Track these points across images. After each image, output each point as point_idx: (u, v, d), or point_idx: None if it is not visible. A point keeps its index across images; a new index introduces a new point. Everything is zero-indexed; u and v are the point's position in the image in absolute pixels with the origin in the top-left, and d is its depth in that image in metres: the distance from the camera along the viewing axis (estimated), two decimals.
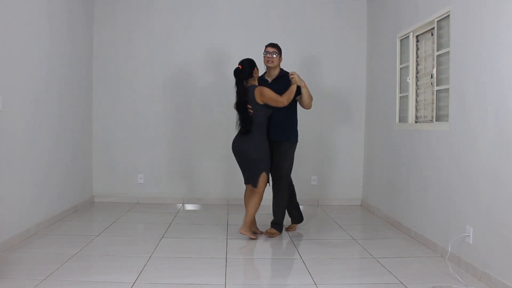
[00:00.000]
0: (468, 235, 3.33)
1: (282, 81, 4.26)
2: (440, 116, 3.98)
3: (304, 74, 5.93)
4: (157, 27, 5.88)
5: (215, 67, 5.80)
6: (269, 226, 4.38)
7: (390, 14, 5.18)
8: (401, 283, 3.09)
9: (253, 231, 4.29)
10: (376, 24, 5.70)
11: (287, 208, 4.50)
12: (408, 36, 4.61)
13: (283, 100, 4.09)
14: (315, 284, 3.06)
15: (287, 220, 4.57)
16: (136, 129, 5.91)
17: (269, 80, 4.36)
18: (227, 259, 3.63)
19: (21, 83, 3.96)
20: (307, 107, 4.35)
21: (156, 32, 5.88)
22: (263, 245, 4.10)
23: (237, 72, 4.17)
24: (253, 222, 4.30)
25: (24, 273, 3.10)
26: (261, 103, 4.10)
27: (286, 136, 4.31)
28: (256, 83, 4.21)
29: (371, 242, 4.24)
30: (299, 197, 5.96)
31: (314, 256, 3.71)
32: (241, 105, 4.12)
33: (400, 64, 4.86)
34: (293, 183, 4.57)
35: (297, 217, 4.62)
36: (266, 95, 4.07)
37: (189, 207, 5.75)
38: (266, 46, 4.35)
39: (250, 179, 4.21)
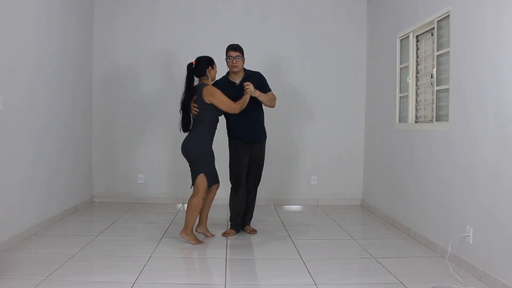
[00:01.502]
0: (468, 235, 3.33)
1: (251, 80, 4.16)
2: (440, 116, 3.98)
3: (304, 74, 6.00)
4: (157, 27, 5.88)
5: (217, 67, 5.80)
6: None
7: (390, 14, 5.18)
8: (401, 283, 3.09)
9: (204, 233, 4.20)
10: (376, 24, 5.70)
11: (242, 212, 4.42)
12: (408, 36, 4.61)
13: (236, 108, 4.01)
14: (315, 284, 3.06)
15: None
16: (136, 129, 5.91)
17: (237, 82, 4.25)
18: (227, 259, 3.63)
19: (21, 83, 3.96)
20: (270, 107, 4.39)
21: (156, 32, 5.88)
22: (262, 245, 4.10)
23: (189, 68, 4.06)
24: (202, 225, 4.19)
25: (24, 273, 3.10)
26: (208, 102, 3.96)
27: (264, 134, 4.45)
28: (209, 83, 4.06)
29: (371, 242, 4.24)
30: (299, 197, 6.03)
31: (314, 256, 3.71)
32: (183, 103, 4.03)
33: (400, 64, 4.86)
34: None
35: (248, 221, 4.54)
36: (217, 98, 3.94)
37: None
38: (228, 50, 4.21)
39: (192, 180, 4.04)
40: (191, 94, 4.03)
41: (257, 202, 5.57)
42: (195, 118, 4.06)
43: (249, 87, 4.08)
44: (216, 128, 4.11)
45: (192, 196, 4.00)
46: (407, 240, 4.25)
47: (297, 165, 6.04)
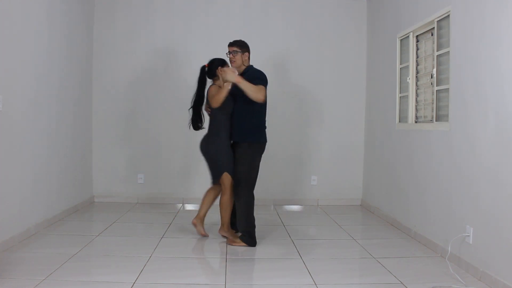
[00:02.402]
0: (468, 235, 3.33)
1: (245, 76, 4.04)
2: (440, 116, 3.98)
3: (304, 74, 6.00)
4: (157, 27, 5.89)
5: None
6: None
7: (390, 14, 5.18)
8: (401, 283, 3.09)
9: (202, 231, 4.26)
10: (376, 24, 5.70)
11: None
12: (408, 36, 4.61)
13: (212, 101, 3.99)
14: (315, 284, 3.06)
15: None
16: (136, 129, 5.91)
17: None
18: (227, 259, 3.63)
19: (21, 83, 3.96)
20: (256, 100, 3.91)
21: (156, 32, 5.89)
22: (263, 245, 4.09)
23: (202, 70, 4.16)
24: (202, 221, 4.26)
25: (24, 273, 3.10)
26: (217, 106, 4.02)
27: (242, 137, 4.06)
28: (220, 83, 4.08)
29: (371, 242, 4.24)
30: (299, 197, 6.02)
31: (314, 256, 3.71)
32: (194, 103, 4.14)
33: (400, 64, 4.86)
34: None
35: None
36: (210, 95, 4.05)
37: (189, 207, 5.74)
38: (228, 46, 4.22)
39: (215, 179, 4.12)
40: (202, 95, 4.14)
41: (257, 202, 5.55)
42: (210, 119, 4.16)
43: (221, 73, 3.99)
44: (229, 126, 4.11)
45: (221, 195, 4.11)
46: (407, 240, 4.25)
47: (297, 165, 6.04)
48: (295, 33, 5.98)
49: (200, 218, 4.25)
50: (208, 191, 4.29)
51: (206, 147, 4.11)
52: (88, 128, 5.76)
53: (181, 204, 5.84)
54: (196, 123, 4.16)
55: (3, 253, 3.51)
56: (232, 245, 4.03)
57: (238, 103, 4.07)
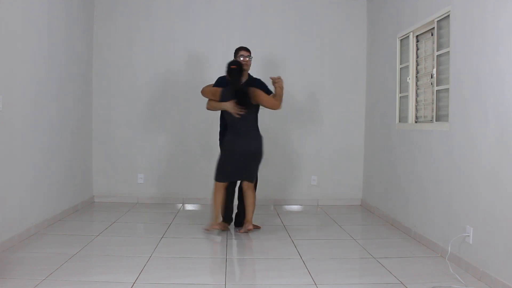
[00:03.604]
0: (468, 235, 3.33)
1: (256, 84, 4.36)
2: (440, 116, 3.98)
3: (304, 74, 6.00)
4: (157, 26, 5.89)
5: (216, 67, 5.80)
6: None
7: (390, 14, 5.18)
8: (401, 283, 3.09)
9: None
10: (376, 24, 5.70)
11: (228, 207, 4.54)
12: (408, 36, 4.61)
13: (278, 104, 4.25)
14: (315, 284, 3.06)
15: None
16: (136, 129, 5.91)
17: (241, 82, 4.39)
18: (227, 259, 3.63)
19: (21, 83, 3.96)
20: (277, 109, 4.33)
21: (156, 32, 5.88)
22: (263, 245, 4.10)
23: (235, 73, 4.24)
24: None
25: (24, 273, 3.10)
26: (254, 103, 4.26)
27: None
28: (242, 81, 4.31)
29: (371, 242, 4.24)
30: (299, 197, 6.03)
31: (314, 256, 3.71)
32: (243, 104, 4.20)
33: (400, 64, 4.86)
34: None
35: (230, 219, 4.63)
36: (261, 97, 4.23)
37: (189, 207, 5.74)
38: (240, 50, 4.45)
39: (249, 176, 4.32)
40: (246, 96, 4.22)
41: (257, 202, 5.56)
42: (251, 118, 4.28)
43: (279, 81, 4.24)
44: None
45: (253, 193, 4.35)
46: (407, 240, 4.25)
47: (297, 165, 6.04)
48: (295, 33, 5.97)
49: (249, 221, 4.35)
50: (219, 192, 4.31)
51: (261, 145, 4.29)
52: (88, 128, 5.76)
53: (181, 204, 5.84)
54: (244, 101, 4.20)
55: (3, 253, 3.51)
56: (252, 229, 4.34)
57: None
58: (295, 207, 5.90)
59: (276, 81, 4.27)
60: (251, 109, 4.25)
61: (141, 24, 5.88)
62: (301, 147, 6.03)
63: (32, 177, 4.17)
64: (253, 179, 4.39)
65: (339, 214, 5.45)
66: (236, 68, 4.25)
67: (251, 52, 4.56)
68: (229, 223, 4.61)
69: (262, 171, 5.84)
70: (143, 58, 5.88)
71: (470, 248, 3.32)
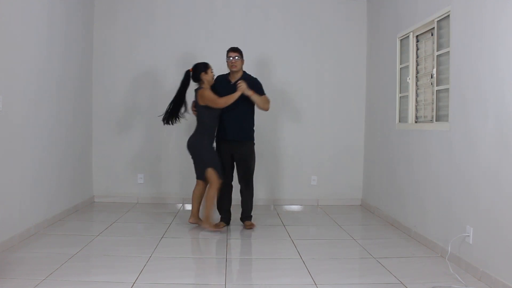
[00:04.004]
0: (468, 235, 3.33)
1: (249, 83, 4.41)
2: (440, 116, 3.98)
3: (304, 74, 6.00)
4: (157, 26, 5.89)
5: (216, 67, 5.81)
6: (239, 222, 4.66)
7: (390, 14, 5.18)
8: (401, 283, 3.09)
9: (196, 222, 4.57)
10: (376, 24, 5.70)
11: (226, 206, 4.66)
12: (408, 36, 4.61)
13: (220, 102, 4.33)
14: (315, 284, 3.06)
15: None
16: (136, 129, 5.91)
17: (232, 81, 4.52)
18: (227, 259, 3.63)
19: (21, 83, 3.96)
20: (264, 109, 4.52)
21: (156, 32, 5.88)
22: (263, 245, 4.10)
23: (186, 74, 4.49)
24: (195, 214, 4.57)
25: (24, 273, 3.10)
26: (202, 104, 4.37)
27: (247, 136, 4.56)
28: (206, 86, 4.43)
29: (371, 242, 4.24)
30: (299, 197, 6.02)
31: (314, 256, 3.71)
32: (174, 103, 4.49)
33: (400, 64, 4.86)
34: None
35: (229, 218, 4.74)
36: (205, 97, 4.34)
37: (189, 207, 5.74)
38: (228, 51, 4.52)
39: (200, 174, 4.49)
40: (183, 97, 4.49)
41: (257, 202, 5.56)
42: (197, 119, 4.50)
43: (241, 85, 4.34)
44: (214, 127, 4.49)
45: (208, 189, 4.42)
46: (407, 240, 4.25)
47: (297, 165, 6.04)
48: (295, 33, 5.97)
49: (194, 215, 4.56)
50: (195, 188, 4.58)
51: (193, 145, 4.44)
52: (88, 128, 5.76)
53: (181, 204, 5.84)
54: (170, 119, 4.52)
55: (3, 253, 3.51)
56: (251, 228, 4.53)
57: (240, 106, 4.41)
58: (295, 207, 5.90)
59: (238, 85, 4.35)
60: (199, 110, 4.42)
61: (141, 24, 5.88)
62: (301, 147, 6.03)
63: (32, 177, 4.17)
64: (198, 175, 4.50)
65: (339, 214, 5.45)
66: (187, 71, 4.47)
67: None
68: (227, 223, 4.65)
69: (262, 171, 5.87)
70: (143, 58, 5.88)
71: (470, 248, 3.32)
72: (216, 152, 4.49)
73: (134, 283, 2.99)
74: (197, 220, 4.57)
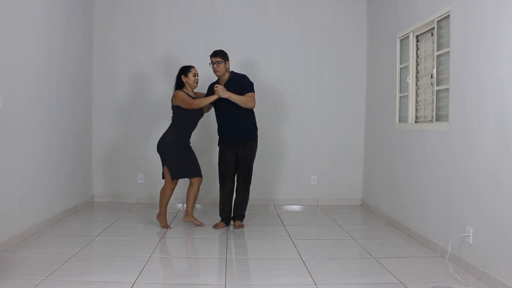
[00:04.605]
0: (468, 235, 3.33)
1: (233, 83, 4.49)
2: (440, 116, 3.98)
3: (304, 74, 6.00)
4: (157, 26, 5.89)
5: None
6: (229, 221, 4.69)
7: (390, 14, 5.18)
8: (401, 283, 3.09)
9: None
10: (376, 24, 5.70)
11: (229, 207, 4.72)
12: (408, 36, 4.61)
13: (192, 104, 4.40)
14: (315, 284, 3.06)
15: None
16: (136, 129, 5.91)
17: (221, 84, 4.58)
18: (227, 259, 3.63)
19: (21, 83, 3.95)
20: (248, 108, 4.49)
21: (156, 32, 5.89)
22: (263, 245, 4.10)
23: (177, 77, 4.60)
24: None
25: (24, 273, 3.10)
26: (174, 104, 4.49)
27: (249, 134, 4.60)
28: (188, 89, 4.53)
29: (371, 242, 4.24)
30: (299, 197, 6.03)
31: (314, 256, 3.71)
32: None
33: (400, 64, 4.86)
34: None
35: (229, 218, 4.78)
36: (178, 98, 4.43)
37: None
38: (210, 57, 4.56)
39: (197, 172, 4.64)
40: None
41: (257, 202, 5.57)
42: (172, 119, 4.62)
43: (217, 89, 4.42)
44: (185, 128, 4.56)
45: (163, 186, 4.61)
46: (407, 240, 4.25)
47: (297, 165, 6.04)
48: (295, 33, 5.97)
49: (189, 214, 4.66)
50: (188, 188, 4.70)
51: (159, 141, 4.59)
52: (88, 128, 5.76)
53: (181, 204, 5.84)
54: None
55: (3, 253, 3.51)
56: (240, 228, 4.55)
57: (235, 106, 4.44)
58: (295, 207, 5.90)
59: (215, 89, 4.43)
60: (173, 110, 4.55)
61: (141, 24, 5.88)
62: (301, 147, 6.03)
63: (32, 177, 4.17)
64: (196, 174, 4.62)
65: (339, 214, 5.45)
66: (178, 73, 4.56)
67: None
68: (227, 224, 4.69)
69: (262, 171, 5.87)
70: (143, 58, 5.88)
71: (470, 248, 3.32)
72: (181, 155, 4.53)
73: (134, 283, 2.99)
74: (191, 218, 4.65)
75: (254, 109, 4.60)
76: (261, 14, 5.96)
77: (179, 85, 4.52)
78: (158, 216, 4.61)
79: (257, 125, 4.72)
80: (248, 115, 4.57)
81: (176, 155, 4.51)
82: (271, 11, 5.97)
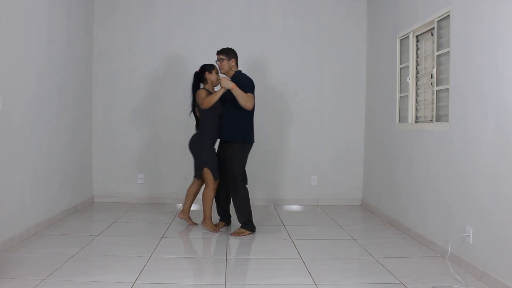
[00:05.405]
0: (468, 235, 3.33)
1: (235, 81, 4.38)
2: (440, 116, 3.98)
3: (304, 74, 6.00)
4: (157, 26, 5.89)
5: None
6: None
7: (390, 14, 5.18)
8: (401, 283, 3.09)
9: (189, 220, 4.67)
10: (376, 24, 5.70)
11: (222, 206, 4.67)
12: (408, 36, 4.61)
13: (204, 102, 4.33)
14: (315, 284, 3.06)
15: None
16: (136, 128, 5.91)
17: None
18: (227, 259, 3.63)
19: (21, 83, 3.96)
20: (245, 107, 4.25)
21: (156, 32, 5.89)
22: (263, 245, 4.10)
23: (194, 75, 4.55)
24: (186, 212, 4.65)
25: (24, 273, 3.10)
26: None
27: (231, 136, 4.40)
28: (208, 87, 4.52)
29: (371, 242, 4.24)
30: (299, 197, 6.02)
31: (314, 256, 3.71)
32: (192, 106, 4.56)
33: (400, 64, 4.86)
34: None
35: (227, 219, 4.73)
36: (199, 97, 4.40)
37: None
38: (216, 54, 4.51)
39: (198, 173, 4.53)
40: (193, 101, 4.54)
41: (257, 202, 5.56)
42: (200, 119, 4.54)
43: (220, 80, 4.35)
44: (216, 129, 4.47)
45: (204, 189, 4.47)
46: (407, 240, 4.26)
47: (297, 165, 6.04)
48: (295, 33, 5.97)
49: (185, 211, 4.65)
50: (190, 186, 4.67)
51: (194, 144, 4.49)
52: (88, 128, 5.77)
53: (181, 204, 5.83)
54: (196, 125, 4.61)
55: (3, 253, 3.51)
56: (239, 236, 4.28)
57: (229, 105, 4.38)
58: (295, 207, 5.90)
59: (219, 80, 4.40)
60: (199, 110, 4.47)
61: (141, 24, 5.88)
62: (301, 147, 6.04)
63: (32, 177, 4.18)
64: (196, 173, 4.52)
65: (339, 214, 5.45)
66: (195, 73, 4.53)
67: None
68: (227, 223, 4.69)
69: (262, 171, 5.87)
70: (143, 58, 5.88)
71: (470, 248, 3.32)
72: (216, 154, 4.49)
73: (134, 283, 2.99)
74: (186, 216, 4.65)
75: (253, 111, 4.44)
76: (261, 14, 5.96)
77: (198, 81, 4.50)
78: (204, 221, 4.45)
79: (256, 126, 4.57)
80: (240, 116, 4.34)
81: (215, 156, 4.46)
82: (271, 11, 5.97)
